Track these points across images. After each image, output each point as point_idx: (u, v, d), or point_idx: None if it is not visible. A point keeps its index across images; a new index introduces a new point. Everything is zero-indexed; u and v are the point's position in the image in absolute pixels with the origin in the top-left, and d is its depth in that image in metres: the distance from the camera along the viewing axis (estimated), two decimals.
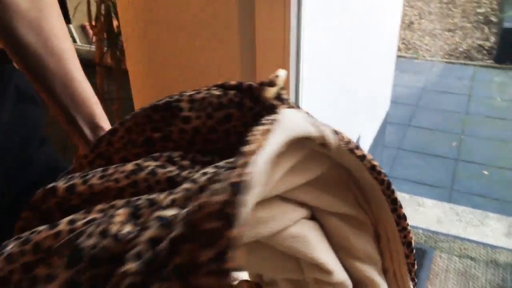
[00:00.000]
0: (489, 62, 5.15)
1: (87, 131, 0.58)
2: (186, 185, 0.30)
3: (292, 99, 0.96)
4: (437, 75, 5.04)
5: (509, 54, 5.02)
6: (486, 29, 5.76)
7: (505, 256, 1.51)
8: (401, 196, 1.88)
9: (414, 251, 0.44)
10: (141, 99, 1.13)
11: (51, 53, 0.56)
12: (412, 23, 5.96)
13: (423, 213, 1.74)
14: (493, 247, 1.54)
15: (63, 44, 0.58)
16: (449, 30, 5.87)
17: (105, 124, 0.59)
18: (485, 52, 5.35)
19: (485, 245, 1.55)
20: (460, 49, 5.46)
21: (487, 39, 5.55)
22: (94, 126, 0.59)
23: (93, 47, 1.56)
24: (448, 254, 1.51)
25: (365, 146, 2.35)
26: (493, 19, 6.03)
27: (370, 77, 2.38)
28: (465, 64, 5.19)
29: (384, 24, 2.60)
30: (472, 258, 1.50)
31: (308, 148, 0.35)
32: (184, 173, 0.34)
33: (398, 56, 3.34)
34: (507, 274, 1.44)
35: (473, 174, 3.37)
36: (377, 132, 2.67)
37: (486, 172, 3.36)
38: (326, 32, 1.31)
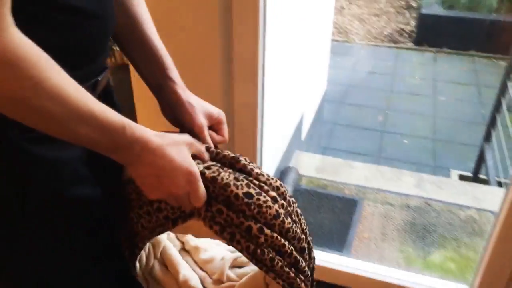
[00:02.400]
0: (410, 44, 5.74)
1: (158, 81, 0.70)
2: None
3: (259, 83, 1.31)
4: (365, 57, 5.57)
5: (426, 37, 5.63)
6: (407, 14, 6.33)
7: (414, 201, 1.99)
8: (336, 160, 2.32)
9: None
10: (141, 92, 1.38)
11: (128, 16, 0.69)
12: (343, 8, 6.42)
13: (354, 173, 2.19)
14: (406, 195, 2.02)
15: (138, 8, 0.70)
16: (376, 15, 6.38)
17: (174, 75, 0.70)
18: (406, 35, 5.93)
19: (400, 194, 2.03)
20: (385, 33, 6.00)
21: (408, 23, 6.11)
22: (164, 77, 0.70)
23: None
24: (374, 203, 1.97)
25: (307, 123, 2.76)
26: (413, 4, 6.60)
27: (311, 62, 2.76)
28: (389, 46, 5.75)
29: (321, 10, 2.93)
30: (391, 204, 1.97)
31: None
32: None
33: (331, 40, 3.75)
34: (416, 214, 1.92)
35: (396, 143, 3.93)
36: (316, 110, 3.10)
37: (406, 141, 3.94)
38: (281, 28, 1.66)
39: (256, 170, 0.67)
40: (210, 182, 0.63)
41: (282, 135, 1.96)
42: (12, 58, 0.44)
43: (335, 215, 1.88)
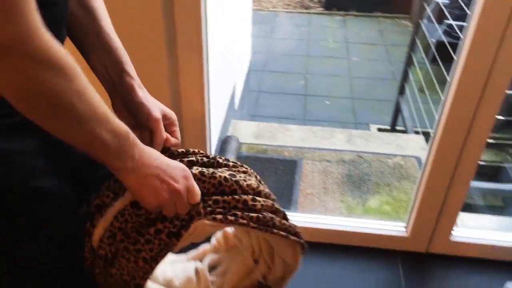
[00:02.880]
0: (320, 9, 5.96)
1: (114, 76, 0.70)
2: None
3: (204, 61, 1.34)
4: (280, 24, 5.70)
5: (335, 1, 5.87)
6: None
7: (348, 155, 2.16)
8: (272, 125, 2.42)
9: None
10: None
11: (85, 11, 0.68)
12: None
13: (290, 135, 2.31)
14: (340, 151, 2.18)
15: (95, 3, 0.70)
16: None
17: (130, 70, 0.70)
18: (316, 0, 6.14)
19: (334, 150, 2.18)
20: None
21: None
22: (120, 71, 0.69)
23: None
24: (312, 161, 2.10)
25: (239, 93, 2.81)
26: None
27: (238, 32, 2.79)
28: (301, 12, 5.92)
29: None
30: (328, 161, 2.11)
31: None
32: None
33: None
34: (351, 167, 2.08)
35: (318, 105, 4.13)
36: (245, 79, 3.15)
37: (328, 102, 4.16)
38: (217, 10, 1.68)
39: (219, 160, 0.75)
40: (199, 178, 0.69)
41: (221, 105, 2.00)
42: (49, 56, 0.46)
43: (278, 176, 1.98)
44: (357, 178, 2.02)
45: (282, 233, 0.73)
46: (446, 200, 1.48)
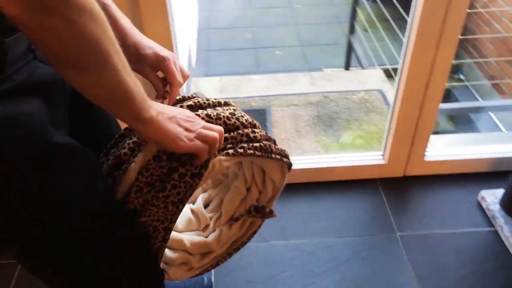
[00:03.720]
0: None
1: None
2: None
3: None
4: None
5: None
6: None
7: (314, 97, 2.18)
8: (235, 78, 2.39)
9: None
10: None
11: None
12: None
13: (254, 86, 2.29)
14: (305, 94, 2.20)
15: None
16: None
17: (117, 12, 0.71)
18: None
19: (300, 94, 2.20)
20: None
21: None
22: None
23: None
24: (280, 107, 2.11)
25: (194, 51, 2.74)
26: None
27: None
28: None
29: None
30: (296, 105, 2.13)
31: None
32: None
33: None
34: (319, 107, 2.12)
35: (269, 56, 4.12)
36: (196, 38, 3.07)
37: (278, 52, 4.15)
38: None
39: (212, 101, 0.81)
40: (207, 120, 0.73)
41: (182, 63, 1.95)
42: (90, 5, 0.47)
43: None
44: (327, 118, 2.05)
45: (277, 156, 0.83)
46: (418, 124, 1.54)
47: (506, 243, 1.43)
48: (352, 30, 3.12)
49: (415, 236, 1.49)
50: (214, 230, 1.02)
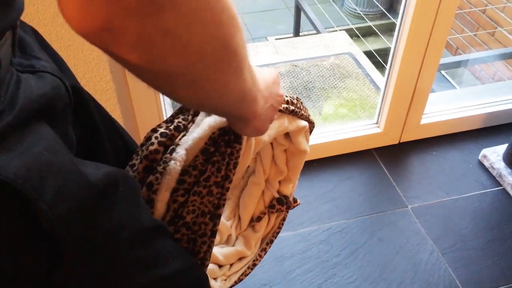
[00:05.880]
0: None
1: None
2: None
3: None
4: None
5: None
6: None
7: (282, 67, 2.00)
8: None
9: None
10: None
11: None
12: None
13: None
14: (273, 64, 2.01)
15: None
16: None
17: None
18: None
19: (267, 65, 2.00)
20: None
21: None
22: None
23: None
24: None
25: None
26: None
27: None
28: None
29: None
30: None
31: None
32: None
33: None
34: (290, 77, 1.94)
35: None
36: None
37: None
38: None
39: None
40: None
41: None
42: None
43: None
44: (302, 89, 1.89)
45: (306, 113, 0.74)
46: (416, 87, 1.42)
47: None
48: None
49: (427, 207, 1.39)
50: (237, 238, 0.89)
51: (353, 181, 1.48)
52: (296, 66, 2.00)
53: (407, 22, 1.26)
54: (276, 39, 3.49)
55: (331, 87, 1.88)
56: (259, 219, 0.89)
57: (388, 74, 1.41)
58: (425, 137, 1.59)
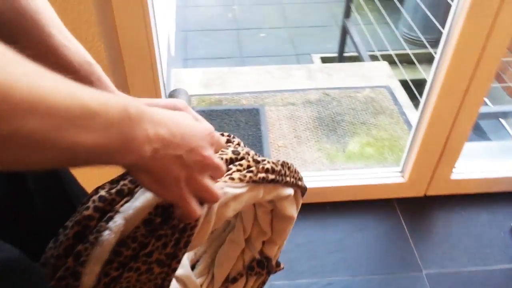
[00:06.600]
0: None
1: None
2: None
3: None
4: None
5: None
6: None
7: (313, 94, 1.89)
8: (220, 70, 2.07)
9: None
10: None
11: (21, 13, 0.48)
12: None
13: (243, 79, 1.98)
14: (303, 90, 1.91)
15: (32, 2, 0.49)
16: None
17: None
18: None
19: (297, 90, 1.91)
20: None
21: None
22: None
23: None
24: (275, 106, 1.82)
25: (172, 35, 2.40)
26: None
27: None
28: None
29: None
30: (292, 104, 1.83)
31: None
32: None
33: None
34: (319, 107, 1.83)
35: (253, 39, 3.78)
36: (175, 18, 2.72)
37: (263, 35, 3.82)
38: None
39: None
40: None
41: (161, 53, 1.62)
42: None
43: (242, 130, 1.69)
44: (329, 120, 1.77)
45: (292, 180, 0.66)
46: (450, 136, 1.28)
47: None
48: (347, 13, 2.82)
49: (444, 275, 1.24)
50: None
51: (367, 233, 1.36)
52: (327, 95, 1.89)
53: (447, 53, 1.13)
54: (320, 57, 3.38)
55: (361, 123, 1.75)
56: (234, 280, 0.81)
57: (420, 115, 1.28)
58: (454, 193, 1.44)
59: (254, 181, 0.58)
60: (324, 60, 3.27)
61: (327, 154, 1.61)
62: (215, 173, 0.49)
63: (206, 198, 0.48)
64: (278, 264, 0.82)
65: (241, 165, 0.58)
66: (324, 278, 1.24)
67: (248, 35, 3.81)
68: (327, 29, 3.57)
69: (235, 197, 0.57)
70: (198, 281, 0.81)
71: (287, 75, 2.00)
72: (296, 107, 1.83)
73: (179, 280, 0.80)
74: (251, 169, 0.59)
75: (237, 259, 0.80)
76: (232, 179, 0.56)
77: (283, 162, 0.66)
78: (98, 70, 0.53)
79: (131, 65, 1.05)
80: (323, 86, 1.95)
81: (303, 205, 1.42)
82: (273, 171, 0.61)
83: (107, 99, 0.34)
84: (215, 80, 1.97)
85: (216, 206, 0.54)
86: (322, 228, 1.37)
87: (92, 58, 0.53)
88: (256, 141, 1.63)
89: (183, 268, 0.81)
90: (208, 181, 0.47)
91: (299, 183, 0.70)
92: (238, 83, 1.96)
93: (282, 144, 1.65)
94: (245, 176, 0.57)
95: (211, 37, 3.75)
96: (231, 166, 0.58)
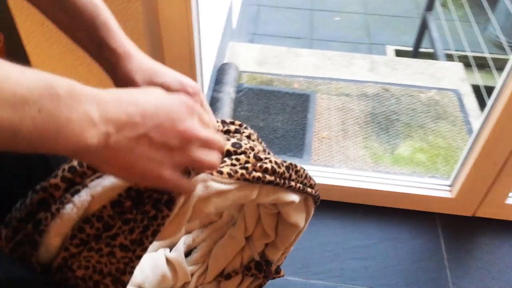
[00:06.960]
0: None
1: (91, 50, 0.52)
2: None
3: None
4: None
5: None
6: None
7: (371, 88, 1.77)
8: (279, 49, 2.00)
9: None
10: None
11: None
12: None
13: (300, 62, 1.90)
14: (361, 82, 1.79)
15: None
16: None
17: (132, 49, 0.52)
18: None
19: (355, 81, 1.79)
20: None
21: None
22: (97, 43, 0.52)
23: None
24: (327, 95, 1.72)
25: (237, 6, 2.35)
26: None
27: None
28: None
29: None
30: (347, 95, 1.73)
31: None
32: None
33: None
34: (375, 103, 1.71)
35: (327, 22, 3.64)
36: None
37: (338, 19, 3.66)
38: None
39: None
40: None
41: (214, 22, 1.57)
42: None
43: (288, 114, 1.61)
44: (383, 118, 1.65)
45: (299, 185, 0.60)
46: (508, 160, 1.13)
47: None
48: (430, 6, 2.60)
49: None
50: None
51: (398, 244, 1.25)
52: (387, 90, 1.76)
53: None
54: (395, 49, 3.19)
55: (418, 126, 1.61)
56: (228, 277, 0.77)
57: (482, 125, 1.13)
58: (507, 219, 1.28)
59: (246, 180, 0.53)
60: (399, 53, 3.07)
61: (373, 154, 1.50)
62: (208, 146, 0.43)
63: (201, 169, 0.47)
64: (278, 271, 0.77)
65: (238, 159, 0.54)
66: (341, 283, 1.16)
67: (321, 16, 3.67)
68: (408, 20, 3.34)
69: (219, 193, 0.52)
70: (191, 268, 0.78)
71: (348, 64, 1.89)
72: (350, 99, 1.72)
73: (169, 263, 0.77)
74: (246, 165, 0.54)
75: (235, 256, 0.78)
76: (220, 172, 0.52)
77: (290, 164, 0.60)
78: (104, 13, 0.51)
79: (168, 30, 1.01)
80: (384, 80, 1.81)
81: (332, 202, 1.34)
82: (273, 172, 0.56)
83: (24, 74, 0.30)
84: (271, 59, 1.89)
85: (194, 198, 0.49)
86: (350, 231, 1.28)
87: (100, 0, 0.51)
88: (299, 128, 1.55)
89: (177, 252, 0.78)
90: (199, 154, 0.42)
91: (308, 190, 0.64)
92: (294, 65, 1.88)
93: (326, 135, 1.56)
94: (236, 172, 0.52)
95: (283, 15, 3.66)
96: (225, 159, 0.53)
